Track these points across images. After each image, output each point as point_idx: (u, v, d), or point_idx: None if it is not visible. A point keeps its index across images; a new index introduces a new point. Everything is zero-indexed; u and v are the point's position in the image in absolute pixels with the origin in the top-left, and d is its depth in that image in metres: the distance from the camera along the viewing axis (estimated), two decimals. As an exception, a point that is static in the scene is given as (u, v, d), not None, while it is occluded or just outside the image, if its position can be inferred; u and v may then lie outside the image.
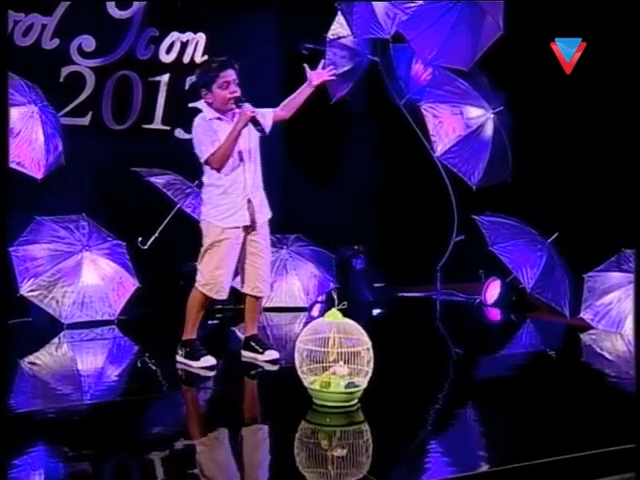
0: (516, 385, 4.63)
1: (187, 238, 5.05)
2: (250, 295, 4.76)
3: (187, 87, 6.54)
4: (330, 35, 6.59)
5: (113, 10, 6.28)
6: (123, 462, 3.49)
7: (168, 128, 6.52)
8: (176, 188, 6.09)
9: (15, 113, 5.60)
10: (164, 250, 6.06)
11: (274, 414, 4.06)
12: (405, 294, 7.03)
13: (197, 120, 4.57)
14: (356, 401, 3.93)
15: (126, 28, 6.32)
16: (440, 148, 6.56)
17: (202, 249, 4.60)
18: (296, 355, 3.96)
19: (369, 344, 3.96)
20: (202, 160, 4.52)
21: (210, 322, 5.94)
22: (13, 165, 5.48)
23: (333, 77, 4.96)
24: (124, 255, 5.79)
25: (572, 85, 6.22)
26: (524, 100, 6.69)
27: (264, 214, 4.69)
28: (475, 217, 6.52)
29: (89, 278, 5.59)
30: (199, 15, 6.57)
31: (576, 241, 6.27)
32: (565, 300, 6.19)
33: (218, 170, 4.49)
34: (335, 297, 4.14)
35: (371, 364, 3.95)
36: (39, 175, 5.65)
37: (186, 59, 6.55)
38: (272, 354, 4.76)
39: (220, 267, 4.55)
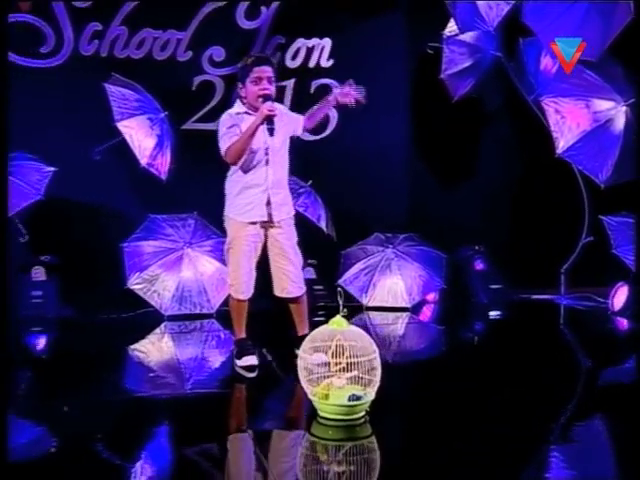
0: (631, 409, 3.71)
1: (298, 236, 4.60)
2: (282, 297, 4.33)
3: (312, 91, 6.25)
4: (447, 32, 5.91)
5: (242, 21, 6.11)
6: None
7: (293, 131, 6.24)
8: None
9: (145, 120, 5.64)
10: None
11: (281, 424, 3.67)
12: (534, 296, 6.19)
13: (223, 115, 4.23)
14: (362, 414, 3.40)
15: (254, 37, 6.13)
16: (562, 145, 5.62)
17: (224, 248, 4.28)
18: (299, 365, 3.48)
19: (376, 353, 3.42)
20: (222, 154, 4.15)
21: (315, 319, 5.61)
22: (144, 165, 5.54)
23: (356, 100, 4.16)
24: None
25: None
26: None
27: (282, 212, 4.21)
28: (602, 217, 5.57)
29: (188, 274, 5.45)
30: (325, 21, 6.20)
31: None
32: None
33: (233, 164, 4.12)
34: (340, 301, 3.57)
35: (378, 375, 3.40)
36: (164, 176, 5.65)
37: (312, 64, 6.24)
38: None
39: (240, 266, 4.17)
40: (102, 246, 5.50)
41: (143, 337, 5.11)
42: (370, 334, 5.18)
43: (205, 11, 6.02)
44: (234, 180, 4.20)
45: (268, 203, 4.15)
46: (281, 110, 4.22)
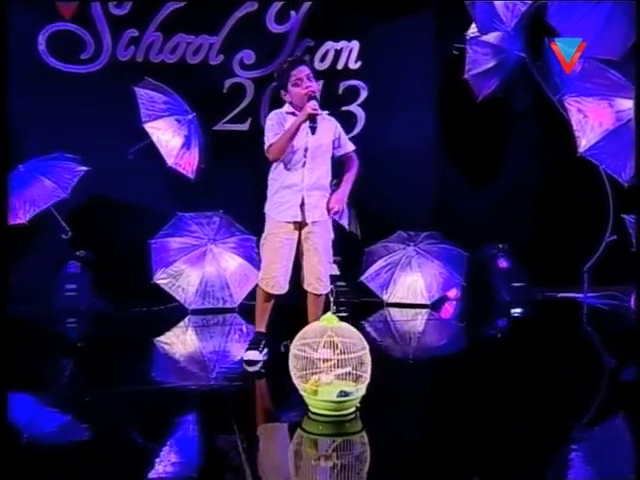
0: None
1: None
2: (308, 292, 4.34)
3: (340, 92, 6.26)
4: (470, 33, 5.82)
5: (272, 25, 6.16)
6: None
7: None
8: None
9: (172, 121, 5.74)
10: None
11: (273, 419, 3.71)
12: (563, 294, 6.05)
13: (271, 114, 4.26)
14: (352, 410, 3.39)
15: (283, 41, 6.16)
16: (584, 144, 5.48)
17: (260, 243, 4.31)
18: (290, 361, 3.48)
19: (366, 349, 3.41)
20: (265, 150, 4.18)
21: (337, 315, 5.60)
22: (171, 165, 5.65)
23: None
24: (252, 249, 5.58)
25: None
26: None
27: (316, 214, 4.19)
28: (625, 216, 5.42)
29: (211, 269, 5.52)
30: (353, 24, 6.18)
31: None
32: None
33: (274, 161, 4.14)
34: (331, 299, 3.58)
35: (368, 371, 3.40)
36: (192, 175, 5.74)
37: (340, 66, 6.24)
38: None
39: (274, 261, 4.19)
40: (134, 242, 5.60)
41: (168, 330, 5.19)
42: (390, 330, 5.31)
43: (236, 16, 6.09)
44: (273, 179, 4.23)
45: (302, 204, 4.15)
46: (325, 115, 4.21)
